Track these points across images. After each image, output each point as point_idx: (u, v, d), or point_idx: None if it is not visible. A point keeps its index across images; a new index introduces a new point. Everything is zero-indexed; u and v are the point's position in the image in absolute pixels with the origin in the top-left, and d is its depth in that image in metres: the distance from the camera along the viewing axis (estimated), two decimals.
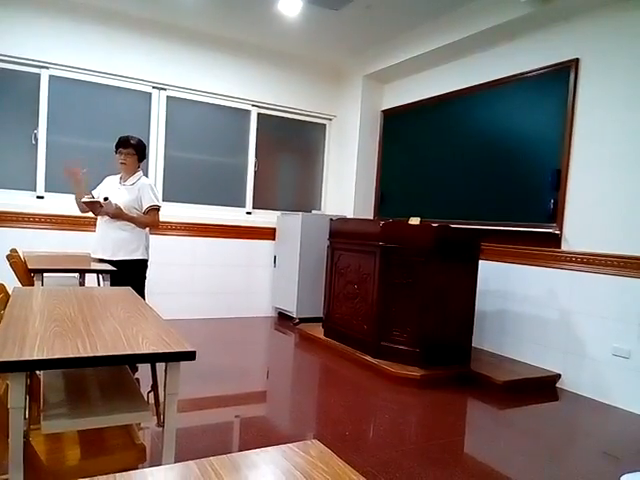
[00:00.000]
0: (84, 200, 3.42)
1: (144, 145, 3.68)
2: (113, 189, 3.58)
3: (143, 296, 3.34)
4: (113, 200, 3.44)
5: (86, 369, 1.69)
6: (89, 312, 1.77)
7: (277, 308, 5.92)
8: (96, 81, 4.98)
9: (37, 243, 4.47)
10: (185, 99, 5.42)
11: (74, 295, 2.09)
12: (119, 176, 3.65)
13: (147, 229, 3.64)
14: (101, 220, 3.56)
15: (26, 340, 1.33)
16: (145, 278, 3.63)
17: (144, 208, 3.53)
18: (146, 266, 3.64)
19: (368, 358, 4.02)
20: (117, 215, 3.45)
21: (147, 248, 3.62)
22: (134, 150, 3.56)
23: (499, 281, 4.39)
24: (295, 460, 0.90)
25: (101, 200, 3.42)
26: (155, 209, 3.57)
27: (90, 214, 3.64)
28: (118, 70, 5.01)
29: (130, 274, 3.33)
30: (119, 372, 1.74)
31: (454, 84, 4.95)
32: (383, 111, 5.97)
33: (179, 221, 5.37)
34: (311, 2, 4.47)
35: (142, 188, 3.55)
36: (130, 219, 3.48)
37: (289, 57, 5.85)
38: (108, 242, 3.49)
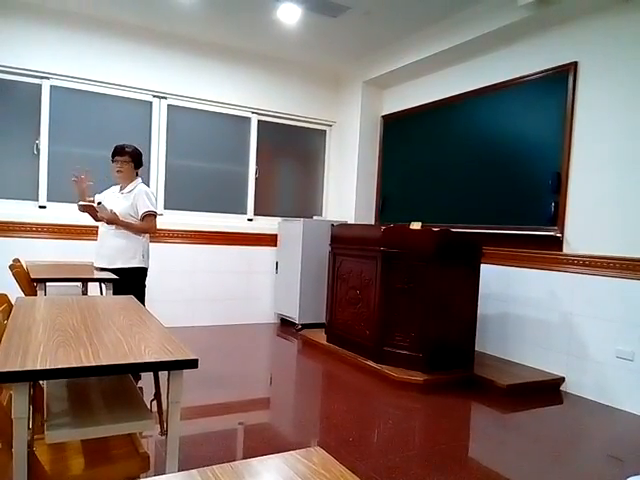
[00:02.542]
0: (80, 203, 3.44)
1: (140, 153, 3.68)
2: (112, 198, 3.60)
3: (143, 304, 3.34)
4: (108, 206, 3.45)
5: (89, 378, 1.70)
6: (92, 321, 1.77)
7: (279, 314, 5.92)
8: (97, 91, 5.01)
9: (40, 253, 4.48)
10: (185, 107, 5.44)
11: (77, 304, 2.09)
12: (119, 186, 3.67)
13: (146, 237, 3.63)
14: (100, 229, 3.58)
15: (29, 350, 1.34)
16: (144, 286, 3.62)
17: (140, 214, 3.54)
18: (145, 274, 3.63)
19: (371, 363, 4.02)
20: (112, 220, 3.45)
21: (145, 256, 3.61)
22: (130, 157, 3.56)
23: (501, 285, 4.39)
24: (297, 467, 0.90)
25: (95, 205, 3.43)
26: (151, 215, 3.56)
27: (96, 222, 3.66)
28: (119, 79, 5.04)
29: (129, 282, 3.33)
30: (122, 381, 1.75)
31: (453, 89, 4.97)
32: (383, 116, 5.99)
33: (180, 229, 5.38)
34: (309, 9, 4.50)
35: (138, 195, 3.55)
36: (126, 225, 3.48)
37: (289, 64, 5.88)
38: (106, 250, 3.50)
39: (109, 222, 3.46)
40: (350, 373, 4.07)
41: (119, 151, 3.56)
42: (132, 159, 3.58)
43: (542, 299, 4.06)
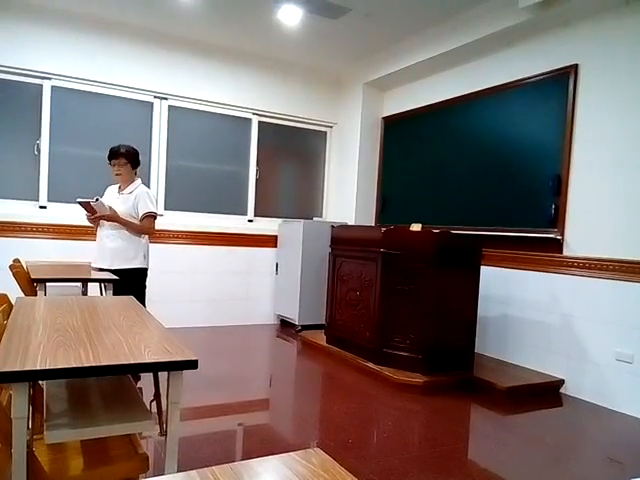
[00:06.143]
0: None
1: (135, 151, 3.64)
2: (112, 198, 3.59)
3: (144, 305, 3.34)
4: (107, 204, 3.43)
5: (89, 379, 1.70)
6: (92, 322, 1.77)
7: (279, 315, 5.91)
8: (98, 91, 5.01)
9: (40, 253, 4.48)
10: (186, 108, 5.45)
11: (77, 305, 2.09)
12: (118, 185, 3.67)
13: (146, 238, 3.64)
14: (99, 230, 3.57)
15: (29, 350, 1.34)
16: (145, 287, 3.63)
17: (140, 215, 3.54)
18: (145, 275, 3.63)
19: (370, 365, 4.02)
20: (112, 218, 3.45)
21: (146, 257, 3.62)
22: (125, 159, 3.55)
23: (501, 287, 4.39)
24: (297, 469, 0.90)
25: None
26: (151, 216, 3.57)
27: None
28: (120, 80, 5.05)
29: (129, 283, 3.33)
30: (122, 381, 1.75)
31: (454, 91, 4.97)
32: (383, 118, 5.99)
33: (181, 229, 5.38)
34: (310, 11, 4.50)
35: (138, 195, 3.55)
36: (125, 223, 3.49)
37: (289, 65, 5.89)
38: (106, 251, 3.50)
39: (108, 219, 3.45)
40: (350, 374, 4.07)
41: (114, 153, 3.54)
42: (128, 160, 3.56)
43: (542, 301, 4.06)
